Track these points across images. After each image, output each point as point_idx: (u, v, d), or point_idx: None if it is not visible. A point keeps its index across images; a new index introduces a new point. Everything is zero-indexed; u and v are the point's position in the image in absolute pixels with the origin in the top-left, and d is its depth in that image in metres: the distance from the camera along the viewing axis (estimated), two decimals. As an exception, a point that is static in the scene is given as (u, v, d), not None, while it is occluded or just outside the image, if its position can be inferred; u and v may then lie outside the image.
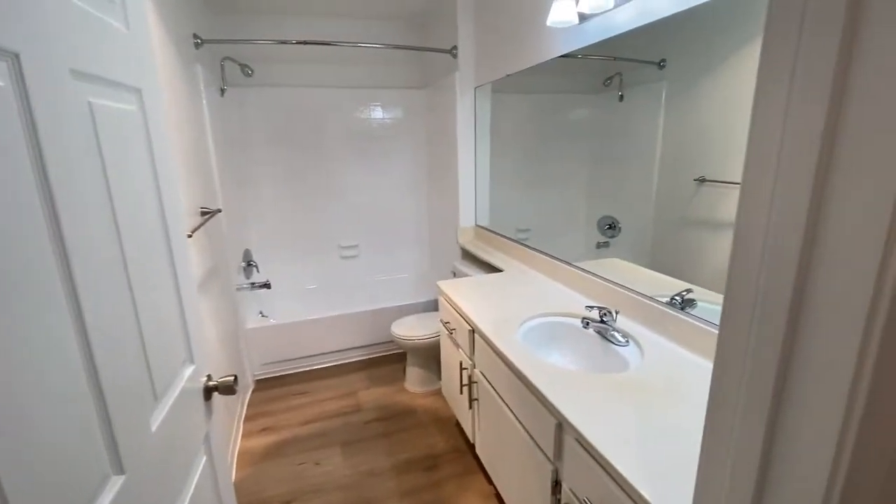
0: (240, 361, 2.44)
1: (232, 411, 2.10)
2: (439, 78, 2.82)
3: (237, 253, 2.69)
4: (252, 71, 2.63)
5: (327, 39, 2.49)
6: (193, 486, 0.86)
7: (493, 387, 1.44)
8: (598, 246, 1.73)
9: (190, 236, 1.37)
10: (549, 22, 1.51)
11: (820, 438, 0.40)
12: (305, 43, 2.31)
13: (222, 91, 2.58)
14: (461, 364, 1.69)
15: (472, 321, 1.54)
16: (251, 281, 2.83)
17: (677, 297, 1.35)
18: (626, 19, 1.38)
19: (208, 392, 0.98)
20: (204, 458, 0.94)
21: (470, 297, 1.74)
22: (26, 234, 0.46)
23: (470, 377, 1.63)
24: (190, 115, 1.89)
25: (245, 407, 2.41)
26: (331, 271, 3.38)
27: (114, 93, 0.68)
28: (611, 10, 1.40)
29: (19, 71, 0.47)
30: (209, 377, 0.99)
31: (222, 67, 2.55)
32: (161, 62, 1.56)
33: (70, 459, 0.51)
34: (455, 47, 2.49)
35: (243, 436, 2.18)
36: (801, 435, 0.42)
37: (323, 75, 2.98)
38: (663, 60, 1.35)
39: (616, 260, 1.65)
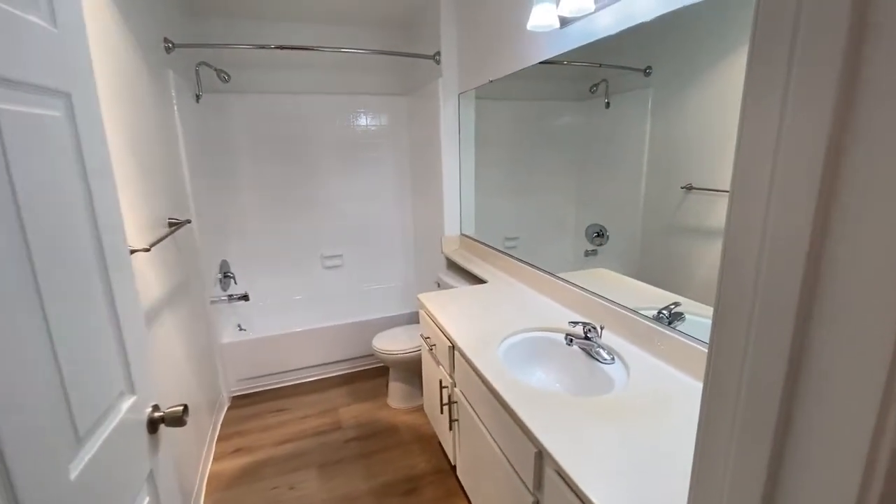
0: (213, 379, 2.34)
1: (203, 432, 2.00)
2: (423, 84, 2.77)
3: (213, 264, 2.59)
4: (228, 77, 2.55)
5: (307, 45, 2.42)
6: (134, 532, 0.77)
7: (472, 408, 1.36)
8: (587, 254, 1.68)
9: (147, 250, 1.28)
10: (529, 26, 1.46)
11: (837, 475, 0.33)
12: (284, 48, 2.24)
13: (198, 97, 2.50)
14: (441, 382, 1.61)
15: (451, 337, 1.47)
16: (228, 293, 2.73)
17: (664, 311, 1.29)
18: (608, 23, 1.33)
19: (153, 424, 0.89)
20: (147, 500, 0.85)
21: (451, 310, 1.67)
22: None
23: (450, 396, 1.55)
24: (158, 123, 1.80)
25: (218, 426, 2.30)
26: (314, 282, 3.28)
27: (30, 97, 0.61)
28: (592, 13, 1.35)
29: None
30: (155, 407, 0.90)
31: (197, 73, 2.47)
32: (124, 67, 1.48)
33: None
34: (438, 53, 2.44)
35: (215, 458, 2.07)
36: (812, 471, 0.35)
37: (305, 82, 2.92)
38: (649, 67, 1.31)
39: (603, 270, 1.60)
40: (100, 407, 0.72)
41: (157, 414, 0.90)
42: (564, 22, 1.48)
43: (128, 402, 0.81)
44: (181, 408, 0.91)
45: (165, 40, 1.97)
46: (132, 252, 1.24)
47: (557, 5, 1.38)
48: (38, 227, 0.59)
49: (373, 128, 3.15)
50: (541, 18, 1.42)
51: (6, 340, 0.52)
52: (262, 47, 2.23)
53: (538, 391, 1.12)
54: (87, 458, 0.66)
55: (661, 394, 1.10)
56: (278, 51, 2.42)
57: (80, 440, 0.66)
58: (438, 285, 2.57)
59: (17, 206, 0.56)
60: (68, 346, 0.64)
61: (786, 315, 0.35)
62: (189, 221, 1.89)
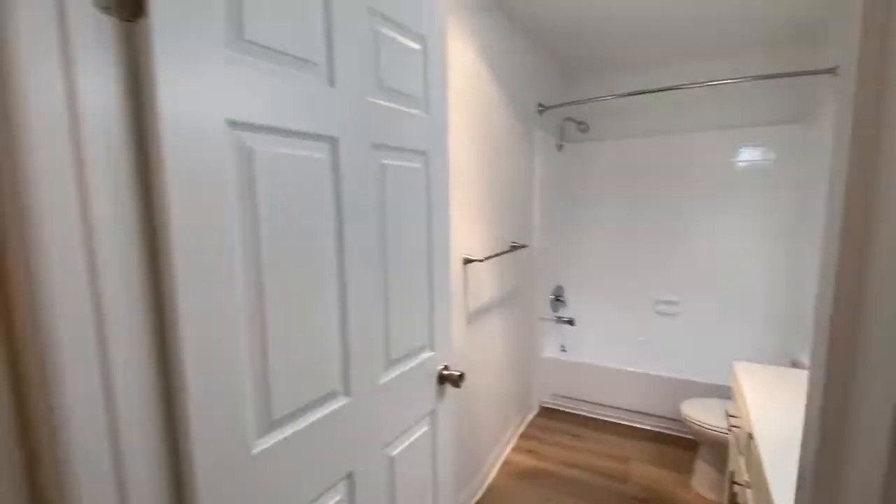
0: (528, 383, 2.71)
1: (508, 421, 2.38)
2: (818, 107, 2.18)
3: (548, 286, 3.00)
4: (587, 127, 2.91)
5: (664, 86, 2.43)
6: (409, 441, 1.12)
7: (758, 521, 1.03)
8: None
9: (481, 261, 1.74)
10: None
11: None
12: (639, 93, 2.37)
13: (559, 147, 2.99)
14: (733, 475, 1.27)
15: (751, 422, 1.15)
16: (557, 314, 3.08)
17: None
18: None
19: (441, 379, 1.24)
20: (426, 428, 1.20)
21: (770, 391, 1.28)
22: (324, 240, 0.84)
23: (737, 501, 1.20)
24: (519, 169, 2.34)
25: (524, 425, 2.64)
26: (641, 324, 3.16)
27: (403, 155, 1.05)
28: None
29: (335, 148, 0.85)
30: (446, 367, 1.25)
31: (562, 127, 2.96)
32: (500, 131, 2.04)
33: (313, 374, 0.85)
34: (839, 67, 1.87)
35: (514, 448, 2.41)
36: None
37: (665, 122, 2.90)
38: None
39: None
40: (405, 350, 1.10)
41: (445, 372, 1.24)
42: None
43: (426, 354, 1.18)
44: (459, 373, 1.22)
45: (539, 105, 2.52)
46: (470, 261, 1.72)
47: None
48: (393, 232, 1.02)
49: (743, 164, 2.73)
50: None
51: (364, 291, 0.94)
52: (630, 94, 2.44)
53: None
54: (390, 376, 1.05)
55: None
56: (635, 98, 2.55)
57: (389, 363, 1.05)
58: (794, 365, 1.94)
59: (384, 216, 0.99)
60: (397, 307, 1.04)
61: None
62: (526, 246, 2.32)
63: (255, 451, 0.74)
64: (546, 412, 2.84)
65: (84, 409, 0.57)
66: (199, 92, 0.63)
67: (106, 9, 0.57)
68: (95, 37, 0.56)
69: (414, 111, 1.07)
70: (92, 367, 0.57)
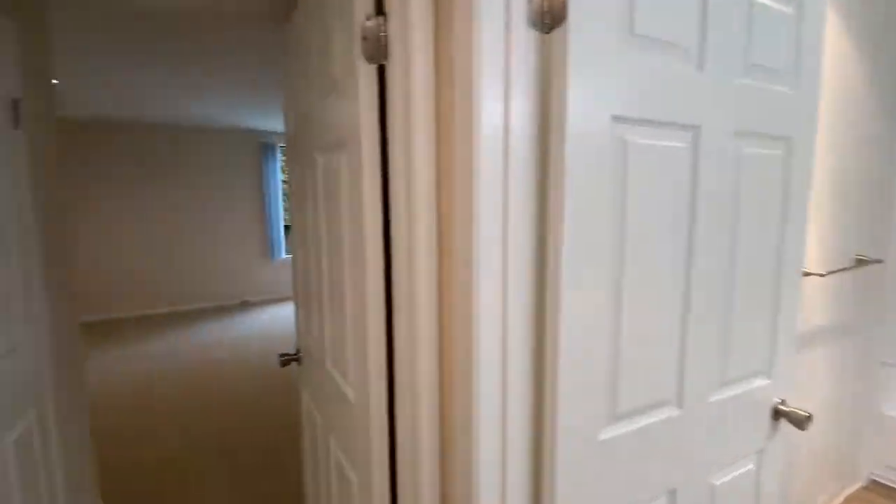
0: (853, 444, 2.03)
1: (820, 486, 1.84)
2: None
3: (901, 320, 2.16)
4: None
5: None
6: (732, 476, 0.97)
7: None
8: None
9: (822, 275, 1.35)
10: None
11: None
12: None
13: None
14: None
15: None
16: (914, 362, 2.18)
17: None
18: None
19: (776, 413, 1.02)
20: (751, 466, 1.01)
21: None
22: (675, 235, 0.78)
23: None
24: (879, 159, 1.74)
25: (842, 496, 1.99)
26: None
27: (762, 142, 0.89)
28: None
29: (697, 137, 0.78)
30: (783, 402, 1.03)
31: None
32: (854, 117, 1.56)
33: (651, 377, 0.80)
34: None
35: (828, 523, 1.85)
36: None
37: None
38: None
39: None
40: (742, 370, 0.94)
41: (781, 406, 1.02)
42: None
43: (759, 381, 0.98)
44: (806, 414, 0.98)
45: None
46: (807, 274, 1.37)
47: None
48: (743, 233, 0.88)
49: None
50: None
51: (714, 309, 0.85)
52: None
53: None
54: (720, 397, 0.91)
55: None
56: None
57: (723, 382, 0.92)
58: None
59: (736, 216, 0.87)
60: (738, 320, 0.90)
61: None
62: (881, 261, 1.72)
63: (602, 437, 0.75)
64: (878, 488, 2.06)
65: (487, 364, 0.69)
66: (595, 90, 0.66)
67: (533, 24, 0.65)
68: (524, 49, 0.65)
69: (779, 88, 0.89)
70: (496, 323, 0.69)
